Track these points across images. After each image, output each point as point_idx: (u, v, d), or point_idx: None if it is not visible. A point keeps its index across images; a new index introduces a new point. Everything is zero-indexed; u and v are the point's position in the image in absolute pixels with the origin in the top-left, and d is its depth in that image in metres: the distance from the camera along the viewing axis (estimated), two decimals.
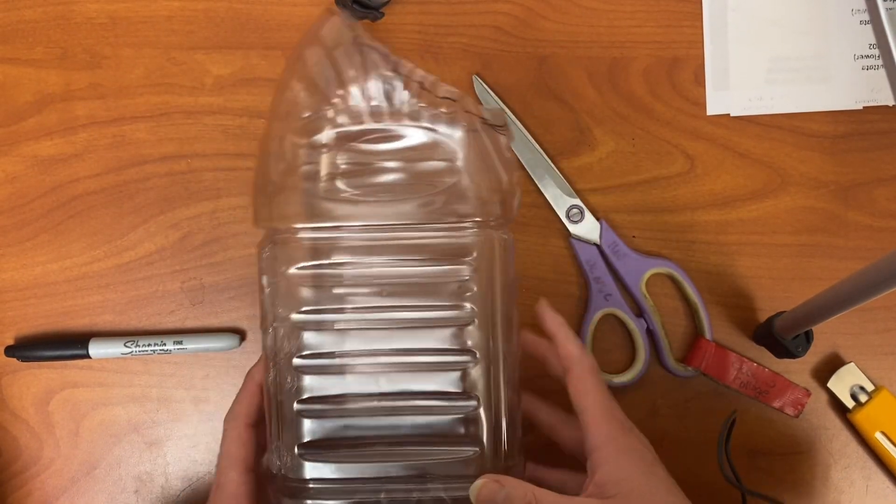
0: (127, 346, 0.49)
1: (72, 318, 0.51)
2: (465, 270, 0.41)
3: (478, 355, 0.41)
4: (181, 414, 0.51)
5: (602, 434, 0.39)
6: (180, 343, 0.50)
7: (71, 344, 0.50)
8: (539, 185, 0.51)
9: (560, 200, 0.51)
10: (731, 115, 0.52)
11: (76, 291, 0.51)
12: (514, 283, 0.42)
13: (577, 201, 0.51)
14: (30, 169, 0.51)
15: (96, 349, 0.49)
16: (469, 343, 0.41)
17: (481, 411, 0.41)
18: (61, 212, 0.51)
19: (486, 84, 0.51)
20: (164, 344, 0.50)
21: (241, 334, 0.51)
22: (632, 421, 0.52)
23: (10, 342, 0.51)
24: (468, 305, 0.41)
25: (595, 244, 0.51)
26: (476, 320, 0.41)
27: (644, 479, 0.38)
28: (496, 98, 0.51)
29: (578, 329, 0.51)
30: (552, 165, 0.51)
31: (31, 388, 0.50)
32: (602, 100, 0.52)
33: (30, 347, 0.50)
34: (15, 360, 0.50)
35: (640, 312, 0.51)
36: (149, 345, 0.49)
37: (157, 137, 0.51)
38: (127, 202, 0.51)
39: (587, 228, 0.51)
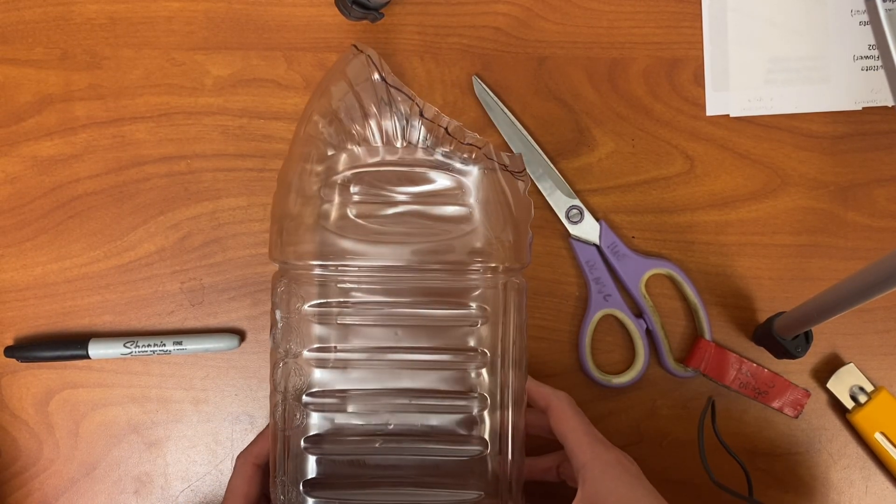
0: (126, 347, 0.49)
1: (71, 319, 0.51)
2: (477, 315, 0.41)
3: (487, 400, 0.41)
4: (180, 414, 0.51)
5: (587, 453, 0.40)
6: (180, 343, 0.50)
7: (70, 344, 0.50)
8: (539, 186, 0.51)
9: (560, 201, 0.51)
10: (731, 115, 0.52)
11: (76, 292, 0.51)
12: (525, 326, 0.43)
13: (577, 202, 0.51)
14: (30, 169, 0.51)
15: (96, 350, 0.49)
16: (479, 386, 0.41)
17: (488, 455, 0.41)
18: (61, 212, 0.51)
19: (486, 84, 0.51)
20: (164, 344, 0.50)
21: (240, 335, 0.51)
22: (632, 421, 0.52)
23: (10, 343, 0.50)
24: (480, 349, 0.41)
25: (594, 245, 0.51)
26: (487, 364, 0.41)
27: (629, 490, 0.39)
28: (496, 98, 0.51)
29: (578, 329, 0.52)
30: (552, 166, 0.51)
31: (31, 388, 0.50)
32: (602, 100, 0.52)
33: (29, 348, 0.50)
34: (14, 360, 0.50)
35: (639, 313, 0.51)
36: (148, 345, 0.49)
37: (157, 138, 0.51)
38: (127, 202, 0.51)
39: (587, 229, 0.51)
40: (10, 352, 0.50)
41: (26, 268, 0.51)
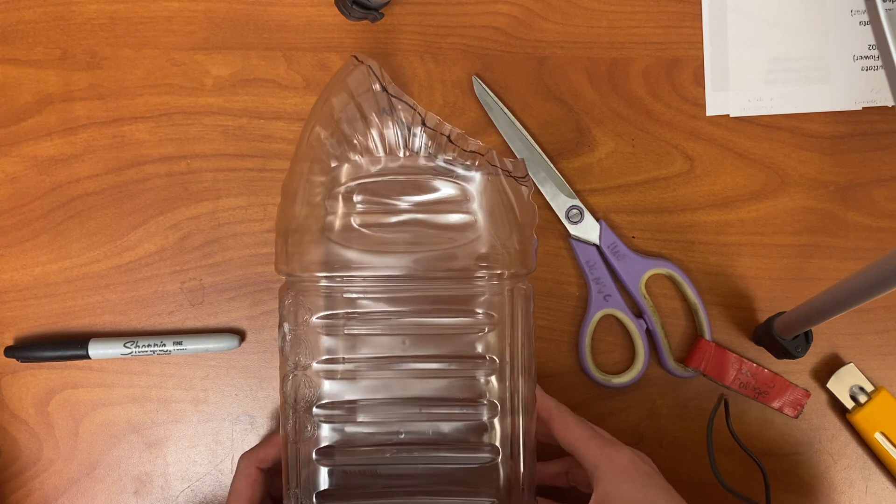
0: (126, 347, 0.49)
1: (71, 319, 0.51)
2: (484, 322, 0.41)
3: (497, 406, 0.41)
4: (181, 414, 0.51)
5: (596, 455, 0.40)
6: (180, 344, 0.50)
7: (70, 344, 0.50)
8: (539, 186, 0.51)
9: (560, 201, 0.51)
10: (731, 115, 0.52)
11: (76, 292, 0.51)
12: (532, 332, 0.43)
13: (577, 202, 0.51)
14: (30, 169, 0.51)
15: (96, 350, 0.49)
16: (489, 393, 0.41)
17: (500, 462, 0.41)
18: (61, 212, 0.51)
19: (486, 84, 0.51)
20: (164, 344, 0.50)
21: (240, 335, 0.51)
22: (632, 421, 0.52)
23: (10, 343, 0.50)
24: (488, 356, 0.41)
25: (595, 245, 0.51)
26: (496, 371, 0.41)
27: (640, 490, 0.39)
28: (496, 98, 0.51)
29: (578, 329, 0.52)
30: (552, 166, 0.51)
31: (31, 388, 0.50)
32: (602, 100, 0.52)
33: (29, 348, 0.50)
34: (14, 360, 0.50)
35: (639, 313, 0.51)
36: (148, 345, 0.49)
37: (157, 138, 0.51)
38: (127, 202, 0.51)
39: (587, 229, 0.51)
40: (10, 352, 0.50)
41: (26, 268, 0.51)
